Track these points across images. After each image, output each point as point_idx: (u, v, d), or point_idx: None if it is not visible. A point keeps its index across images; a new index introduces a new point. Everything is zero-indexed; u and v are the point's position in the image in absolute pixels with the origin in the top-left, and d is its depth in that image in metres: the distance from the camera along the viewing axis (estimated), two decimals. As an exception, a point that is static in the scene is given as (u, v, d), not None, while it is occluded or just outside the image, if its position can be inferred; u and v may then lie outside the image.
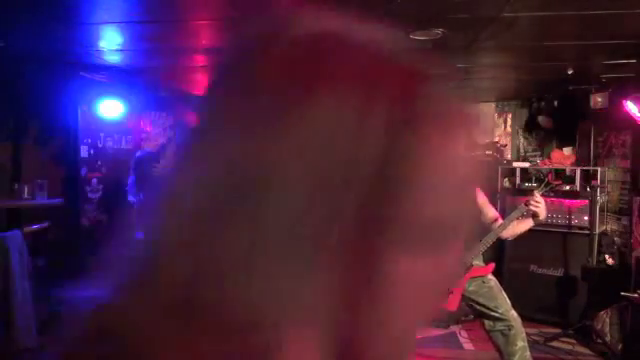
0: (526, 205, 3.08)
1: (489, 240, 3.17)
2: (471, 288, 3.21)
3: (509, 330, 3.18)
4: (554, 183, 3.72)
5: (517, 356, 3.18)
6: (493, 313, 3.20)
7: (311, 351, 0.33)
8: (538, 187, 3.39)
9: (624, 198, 4.66)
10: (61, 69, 4.13)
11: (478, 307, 3.23)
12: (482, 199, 3.33)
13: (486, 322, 3.26)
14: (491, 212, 3.31)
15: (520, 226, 3.17)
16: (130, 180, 3.79)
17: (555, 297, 4.66)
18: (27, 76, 4.19)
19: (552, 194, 3.68)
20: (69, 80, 4.28)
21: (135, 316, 0.31)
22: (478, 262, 3.24)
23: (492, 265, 3.26)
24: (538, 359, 3.43)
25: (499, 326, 3.20)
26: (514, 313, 3.20)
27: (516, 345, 3.18)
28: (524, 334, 3.22)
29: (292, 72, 0.32)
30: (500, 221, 3.18)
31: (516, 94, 6.15)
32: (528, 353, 3.24)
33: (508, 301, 3.23)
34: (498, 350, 3.25)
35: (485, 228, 3.29)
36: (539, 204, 3.05)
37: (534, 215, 3.09)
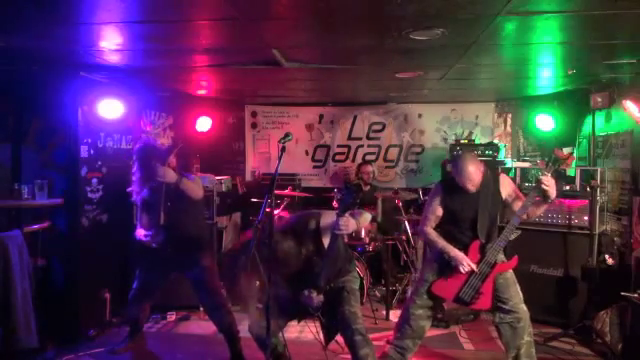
0: (538, 186, 3.08)
1: (507, 234, 3.18)
2: None
3: (518, 322, 3.19)
4: (562, 157, 3.08)
5: (523, 349, 3.19)
6: (504, 305, 3.21)
7: None
8: (546, 167, 3.12)
9: (624, 198, 4.65)
10: (61, 69, 4.13)
11: None
12: (513, 189, 3.35)
13: (496, 314, 3.27)
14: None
15: (539, 209, 3.18)
16: (135, 178, 3.70)
17: (555, 297, 4.66)
18: (27, 76, 4.20)
19: (564, 170, 3.18)
20: (69, 80, 4.28)
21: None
22: (502, 258, 3.27)
23: (516, 258, 3.26)
24: (538, 359, 3.43)
25: (508, 318, 3.22)
26: (524, 307, 3.22)
27: (523, 339, 3.20)
28: (531, 329, 3.24)
29: None
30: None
31: (516, 94, 6.15)
32: (533, 350, 3.26)
33: (520, 294, 3.25)
34: (505, 344, 3.26)
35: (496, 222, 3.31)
36: (549, 185, 3.06)
37: (545, 196, 3.09)
